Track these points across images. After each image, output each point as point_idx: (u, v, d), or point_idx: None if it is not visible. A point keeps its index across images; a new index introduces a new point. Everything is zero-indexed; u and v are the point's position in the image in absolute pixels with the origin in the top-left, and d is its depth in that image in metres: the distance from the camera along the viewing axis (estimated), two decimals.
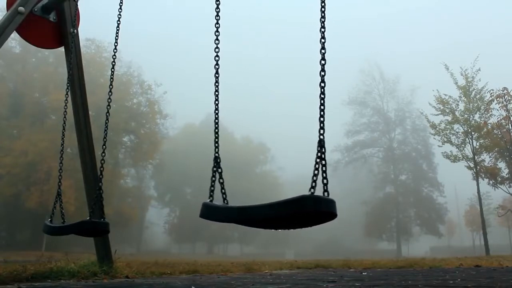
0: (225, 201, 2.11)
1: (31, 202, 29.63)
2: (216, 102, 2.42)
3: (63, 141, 3.89)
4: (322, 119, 1.84)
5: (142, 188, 49.17)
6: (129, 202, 41.46)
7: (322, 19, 1.98)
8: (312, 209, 1.65)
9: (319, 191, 1.71)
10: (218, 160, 2.22)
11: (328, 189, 1.73)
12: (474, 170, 21.84)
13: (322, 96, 1.88)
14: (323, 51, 1.93)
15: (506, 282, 3.09)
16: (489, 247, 20.76)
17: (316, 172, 1.73)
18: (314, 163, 1.74)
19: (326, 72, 1.90)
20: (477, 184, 21.70)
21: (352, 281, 3.59)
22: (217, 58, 2.45)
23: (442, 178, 47.74)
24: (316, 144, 1.77)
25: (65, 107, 3.95)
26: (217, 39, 2.47)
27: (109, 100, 3.58)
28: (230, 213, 1.94)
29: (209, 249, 59.20)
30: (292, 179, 66.63)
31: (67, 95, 4.04)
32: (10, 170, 29.90)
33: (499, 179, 22.28)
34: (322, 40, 1.95)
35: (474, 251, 41.54)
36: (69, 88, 4.14)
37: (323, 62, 1.92)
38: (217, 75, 2.44)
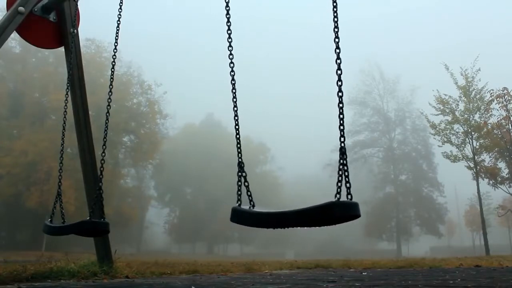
0: (251, 202, 2.16)
1: (31, 202, 29.63)
2: (235, 108, 2.43)
3: (63, 141, 3.89)
4: (342, 127, 1.93)
5: (142, 188, 49.17)
6: (129, 202, 41.45)
7: (335, 19, 1.99)
8: (340, 214, 1.78)
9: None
10: (242, 165, 2.28)
11: (351, 192, 1.83)
12: (474, 170, 21.84)
13: (341, 105, 1.96)
14: (338, 61, 1.98)
15: (506, 282, 3.09)
16: (489, 247, 20.76)
17: (340, 178, 1.83)
18: (338, 169, 1.84)
19: (343, 82, 1.93)
20: (477, 184, 21.70)
21: (352, 281, 3.59)
22: (232, 65, 2.45)
23: (442, 178, 47.78)
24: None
25: (65, 107, 3.96)
26: (230, 45, 2.47)
27: (109, 100, 3.58)
28: (261, 219, 2.04)
29: (209, 249, 59.20)
30: (292, 179, 66.69)
31: (67, 95, 4.04)
32: (10, 170, 29.90)
33: (499, 179, 22.28)
34: (336, 40, 1.97)
35: (474, 251, 41.54)
36: (69, 88, 4.14)
37: (339, 72, 1.98)
38: (233, 82, 2.45)
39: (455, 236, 64.80)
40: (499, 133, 22.08)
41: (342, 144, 1.88)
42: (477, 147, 22.21)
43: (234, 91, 2.44)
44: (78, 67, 4.43)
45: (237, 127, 2.43)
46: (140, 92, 39.88)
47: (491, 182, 22.37)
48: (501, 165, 22.52)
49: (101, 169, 3.46)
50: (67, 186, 25.81)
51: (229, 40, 2.48)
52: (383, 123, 51.13)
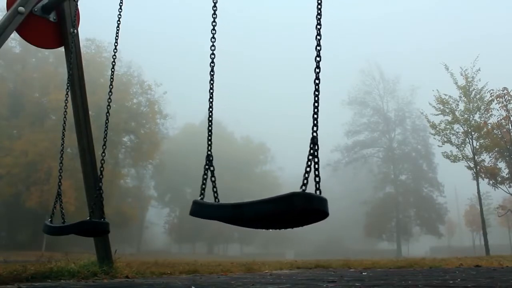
0: (217, 199, 2.10)
1: (31, 202, 29.63)
2: (211, 100, 2.42)
3: (63, 141, 3.89)
4: (316, 116, 1.82)
5: (142, 188, 49.18)
6: (129, 202, 41.46)
7: (318, 16, 1.98)
8: (302, 206, 1.61)
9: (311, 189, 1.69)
10: (211, 158, 2.20)
11: (320, 188, 1.71)
12: (474, 170, 21.83)
13: (317, 93, 1.86)
14: (318, 48, 1.93)
15: (506, 282, 3.09)
16: (489, 247, 20.75)
17: (308, 169, 1.71)
18: (306, 160, 1.72)
19: (321, 69, 1.90)
20: (477, 184, 21.69)
21: (352, 281, 3.60)
22: (212, 56, 2.43)
23: (442, 178, 47.80)
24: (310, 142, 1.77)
25: (65, 107, 3.96)
26: (213, 37, 2.45)
27: (109, 100, 3.59)
28: (221, 210, 1.91)
29: (209, 249, 59.21)
30: (292, 179, 66.51)
31: (67, 95, 4.04)
32: (10, 170, 29.90)
33: (499, 179, 22.28)
34: (318, 37, 1.94)
35: (474, 251, 41.54)
36: (69, 88, 4.14)
37: (318, 59, 1.91)
38: (212, 73, 2.43)
39: (455, 236, 64.83)
40: (499, 133, 22.08)
41: (315, 134, 1.78)
42: (477, 147, 22.21)
43: (212, 82, 2.43)
44: (78, 67, 4.42)
45: (210, 119, 2.40)
46: (140, 92, 39.90)
47: (491, 182, 22.38)
48: (501, 165, 22.53)
49: (101, 169, 3.47)
50: (67, 186, 25.81)
51: (213, 32, 2.46)
52: (383, 123, 51.15)
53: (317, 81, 1.88)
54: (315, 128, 1.80)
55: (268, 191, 51.91)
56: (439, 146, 23.35)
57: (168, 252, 49.63)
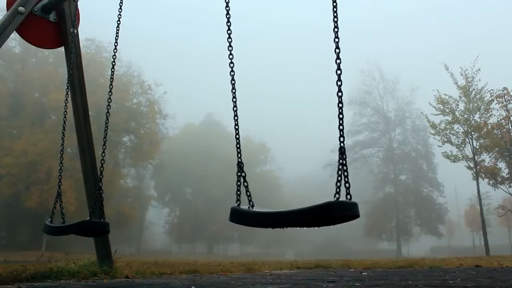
0: (251, 203, 2.16)
1: (31, 202, 29.62)
2: (235, 108, 2.42)
3: (63, 141, 3.89)
4: (341, 127, 1.92)
5: (142, 188, 49.18)
6: (129, 202, 41.44)
7: (335, 19, 1.99)
8: (338, 214, 1.77)
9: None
10: (242, 165, 2.28)
11: (350, 193, 1.82)
12: (474, 170, 21.83)
13: (340, 105, 1.95)
14: (338, 61, 1.98)
15: (506, 282, 3.09)
16: (489, 247, 20.75)
17: (339, 178, 1.82)
18: (337, 170, 1.83)
19: (342, 82, 1.92)
20: (477, 184, 21.69)
21: (352, 281, 3.59)
22: (232, 65, 2.45)
23: (442, 178, 47.78)
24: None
25: (65, 107, 3.95)
26: (230, 45, 2.47)
27: (109, 100, 3.59)
28: (260, 218, 2.03)
29: (209, 249, 59.19)
30: (292, 179, 66.66)
31: (67, 95, 4.04)
32: (10, 170, 29.88)
33: (499, 179, 22.28)
34: (336, 40, 1.97)
35: (474, 251, 41.54)
36: (69, 88, 4.14)
37: (339, 72, 1.97)
38: (233, 82, 2.45)
39: (455, 236, 64.79)
40: (499, 133, 22.08)
41: (342, 144, 1.88)
42: (477, 147, 22.21)
43: (234, 91, 2.44)
44: (78, 67, 4.43)
45: (237, 127, 2.44)
46: (140, 92, 39.88)
47: (491, 182, 22.37)
48: (501, 165, 22.53)
49: (101, 169, 3.46)
50: (67, 186, 25.80)
51: (229, 40, 2.48)
52: (383, 123, 51.14)
53: (339, 94, 1.97)
54: (341, 139, 1.90)
55: (268, 191, 51.93)
56: (439, 146, 23.37)
57: (168, 252, 49.67)
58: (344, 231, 58.48)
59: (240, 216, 2.11)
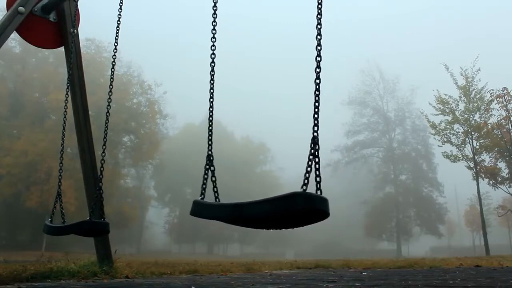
0: (217, 199, 2.08)
1: (31, 202, 29.62)
2: (211, 100, 2.42)
3: (63, 141, 3.89)
4: (316, 116, 1.81)
5: (142, 188, 49.18)
6: (129, 202, 41.45)
7: (319, 16, 1.97)
8: (303, 207, 1.61)
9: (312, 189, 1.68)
10: (211, 158, 2.20)
11: (321, 188, 1.70)
12: (474, 170, 21.83)
13: (317, 93, 1.85)
14: (318, 47, 1.92)
15: (506, 282, 3.09)
16: (489, 247, 20.75)
17: (308, 169, 1.70)
18: (307, 160, 1.71)
19: (321, 69, 1.89)
20: (477, 184, 21.69)
21: (352, 281, 3.59)
22: (213, 56, 2.43)
23: (442, 178, 47.79)
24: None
25: (65, 107, 3.96)
26: (213, 36, 2.45)
27: (109, 100, 3.59)
28: (221, 210, 1.90)
29: (209, 249, 59.19)
30: (292, 179, 66.54)
31: (67, 95, 4.04)
32: (10, 170, 29.88)
33: (499, 179, 22.28)
34: (318, 37, 1.94)
35: (474, 251, 41.54)
36: (69, 88, 4.14)
37: (318, 59, 1.90)
38: (212, 73, 2.43)
39: (455, 236, 64.80)
40: (499, 133, 22.08)
41: (315, 134, 1.77)
42: (477, 147, 22.21)
43: (212, 82, 2.43)
44: (78, 67, 4.43)
45: (210, 118, 2.39)
46: (140, 92, 39.88)
47: (491, 182, 22.37)
48: (501, 165, 22.53)
49: (101, 169, 3.47)
50: (67, 186, 25.80)
51: (213, 32, 2.46)
52: (383, 123, 51.13)
53: (317, 81, 1.87)
54: (315, 128, 1.79)
55: (268, 191, 51.87)
56: (439, 146, 23.38)
57: (168, 252, 49.67)
58: (344, 231, 58.61)
59: (199, 209, 1.98)
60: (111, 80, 3.69)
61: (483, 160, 22.43)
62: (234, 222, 1.93)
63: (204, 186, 2.10)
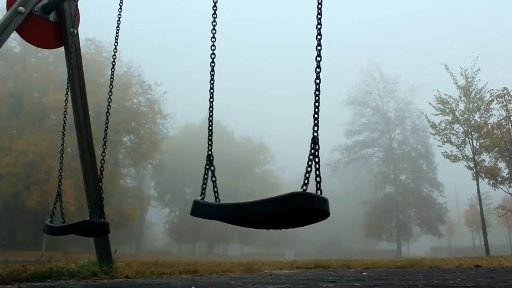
0: (217, 199, 2.08)
1: (31, 202, 29.62)
2: (211, 100, 2.42)
3: (63, 141, 3.89)
4: (316, 116, 1.81)
5: (142, 188, 49.18)
6: (129, 202, 41.46)
7: (319, 16, 1.98)
8: (303, 207, 1.61)
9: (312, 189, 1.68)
10: (211, 158, 2.20)
11: (321, 187, 1.70)
12: (474, 170, 21.83)
13: (317, 93, 1.85)
14: (319, 47, 1.92)
15: (506, 282, 3.09)
16: (489, 247, 20.74)
17: (309, 169, 1.70)
18: (307, 160, 1.71)
19: (321, 69, 1.89)
20: (477, 184, 21.69)
21: (352, 281, 3.60)
22: (213, 56, 2.44)
23: (442, 178, 47.78)
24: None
25: (65, 107, 3.96)
26: (213, 36, 2.46)
27: (109, 100, 3.59)
28: (222, 210, 1.90)
29: (209, 249, 59.19)
30: (292, 179, 66.56)
31: (67, 95, 4.04)
32: (10, 170, 29.88)
33: (499, 179, 22.28)
34: (318, 37, 1.94)
35: (474, 251, 41.54)
36: (69, 88, 4.14)
37: (318, 58, 1.91)
38: (212, 73, 2.43)
39: (455, 236, 64.80)
40: (499, 133, 22.07)
41: (315, 134, 1.77)
42: (477, 147, 22.21)
43: (212, 82, 2.43)
44: (78, 67, 4.42)
45: (210, 118, 2.39)
46: (140, 92, 39.89)
47: (491, 182, 22.37)
48: (501, 165, 22.53)
49: (101, 169, 3.46)
50: (67, 186, 25.80)
51: (213, 31, 2.46)
52: (383, 123, 51.13)
53: (317, 81, 1.87)
54: (315, 128, 1.79)
55: (268, 191, 51.87)
56: (439, 146, 23.38)
57: (168, 252, 49.64)
58: (344, 231, 58.61)
59: (199, 209, 1.99)
60: (111, 80, 3.69)
61: (483, 160, 22.44)
62: (235, 222, 1.92)
63: (204, 186, 2.10)
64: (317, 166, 1.73)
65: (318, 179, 1.72)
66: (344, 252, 30.70)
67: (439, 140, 23.00)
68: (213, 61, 2.43)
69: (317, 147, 1.75)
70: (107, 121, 3.59)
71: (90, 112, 4.54)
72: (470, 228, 54.36)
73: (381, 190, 49.97)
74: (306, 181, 1.69)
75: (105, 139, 3.55)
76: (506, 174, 22.33)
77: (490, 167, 22.13)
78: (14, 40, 29.19)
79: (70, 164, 26.36)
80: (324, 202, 1.65)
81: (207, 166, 2.16)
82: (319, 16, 1.97)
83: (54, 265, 4.09)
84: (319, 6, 1.99)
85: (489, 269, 5.45)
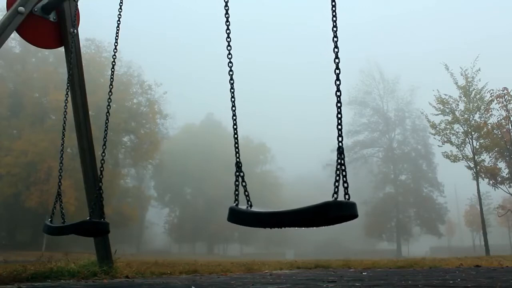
0: (249, 202, 2.16)
1: (31, 202, 29.63)
2: (233, 108, 2.43)
3: (63, 141, 3.89)
4: (340, 127, 1.91)
5: (142, 188, 49.15)
6: (129, 202, 41.45)
7: (334, 18, 1.99)
8: (336, 214, 1.76)
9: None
10: (240, 165, 2.30)
11: (339, 191, 1.80)
12: (474, 170, 21.84)
13: (339, 104, 1.93)
14: (336, 50, 1.96)
15: (506, 282, 3.09)
16: (489, 247, 20.75)
17: (337, 178, 1.81)
18: (335, 169, 1.83)
19: (341, 82, 1.93)
20: (477, 184, 21.70)
21: (352, 281, 3.59)
22: (230, 65, 2.46)
23: (442, 178, 47.77)
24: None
25: (65, 107, 3.95)
26: (229, 45, 2.48)
27: (109, 100, 3.58)
28: (258, 218, 2.03)
29: (209, 249, 59.19)
30: (292, 179, 66.63)
31: (67, 95, 4.04)
32: (10, 170, 29.89)
33: (499, 179, 22.28)
34: (335, 39, 1.97)
35: (474, 251, 41.54)
36: (69, 88, 4.14)
37: (337, 61, 1.96)
38: (231, 81, 2.45)
39: (455, 236, 64.82)
40: (499, 133, 22.08)
41: (340, 144, 1.87)
42: (477, 147, 22.22)
43: (232, 90, 2.44)
44: (78, 67, 4.42)
45: (235, 126, 2.43)
46: (140, 92, 39.90)
47: (491, 182, 22.38)
48: (501, 165, 22.54)
49: (101, 169, 3.46)
50: (67, 186, 25.81)
51: (228, 40, 2.48)
52: (383, 123, 51.12)
53: (338, 93, 1.94)
54: (340, 139, 1.88)
55: (268, 191, 51.91)
56: (439, 146, 23.39)
57: (168, 252, 49.64)
58: (344, 231, 58.47)
59: (238, 216, 2.11)
60: (111, 80, 3.68)
61: (483, 160, 22.44)
62: (269, 227, 2.03)
63: (237, 192, 2.21)
64: (344, 173, 1.83)
65: (345, 185, 1.82)
66: (344, 252, 30.69)
67: (439, 140, 23.03)
68: (231, 70, 2.46)
69: (343, 156, 1.86)
70: (107, 121, 3.59)
71: (90, 112, 4.54)
72: (470, 228, 54.36)
73: (381, 190, 49.96)
74: (336, 189, 1.80)
75: (105, 139, 3.54)
76: (506, 174, 22.34)
77: (490, 167, 22.13)
78: (14, 40, 29.20)
79: (70, 164, 26.35)
80: (353, 206, 1.78)
81: (237, 173, 2.26)
82: (334, 19, 2.00)
83: (54, 265, 4.09)
84: (333, 9, 2.01)
85: (489, 269, 5.45)
